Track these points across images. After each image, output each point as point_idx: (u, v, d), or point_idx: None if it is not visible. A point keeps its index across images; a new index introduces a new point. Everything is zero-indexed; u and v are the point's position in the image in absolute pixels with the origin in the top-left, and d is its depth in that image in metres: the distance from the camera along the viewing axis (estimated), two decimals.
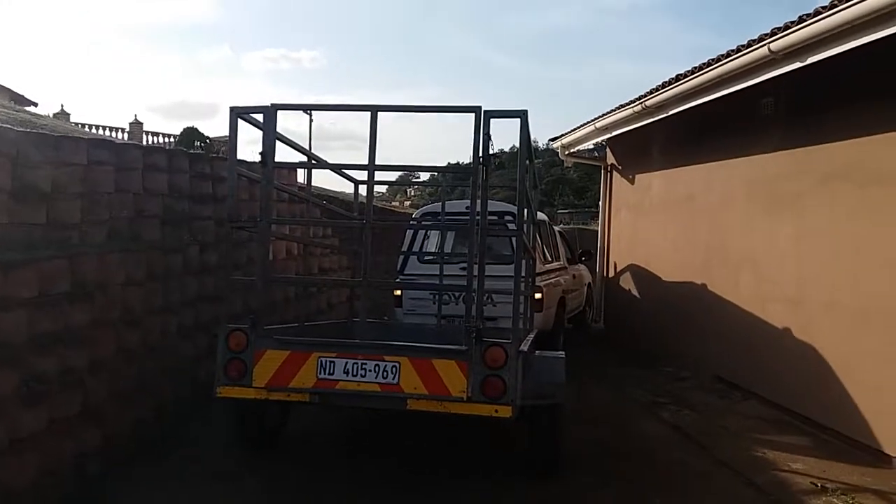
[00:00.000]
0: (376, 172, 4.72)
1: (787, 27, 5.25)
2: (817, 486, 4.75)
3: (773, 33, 5.42)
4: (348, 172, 6.26)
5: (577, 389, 6.22)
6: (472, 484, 4.67)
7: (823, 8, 4.86)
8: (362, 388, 4.15)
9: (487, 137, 4.09)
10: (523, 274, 6.14)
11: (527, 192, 4.66)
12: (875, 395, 5.35)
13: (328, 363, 4.20)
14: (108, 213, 5.30)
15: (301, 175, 9.08)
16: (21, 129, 5.03)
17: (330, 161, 6.76)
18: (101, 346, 4.76)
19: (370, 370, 4.14)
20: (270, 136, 4.49)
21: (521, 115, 4.16)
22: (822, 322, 6.05)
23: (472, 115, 4.06)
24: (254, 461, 4.95)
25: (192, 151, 8.65)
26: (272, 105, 4.49)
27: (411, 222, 9.09)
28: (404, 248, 8.13)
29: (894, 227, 5.23)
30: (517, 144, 4.63)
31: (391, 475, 4.78)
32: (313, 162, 6.18)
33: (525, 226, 4.98)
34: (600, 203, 12.45)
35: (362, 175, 6.18)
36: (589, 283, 11.71)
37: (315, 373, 4.20)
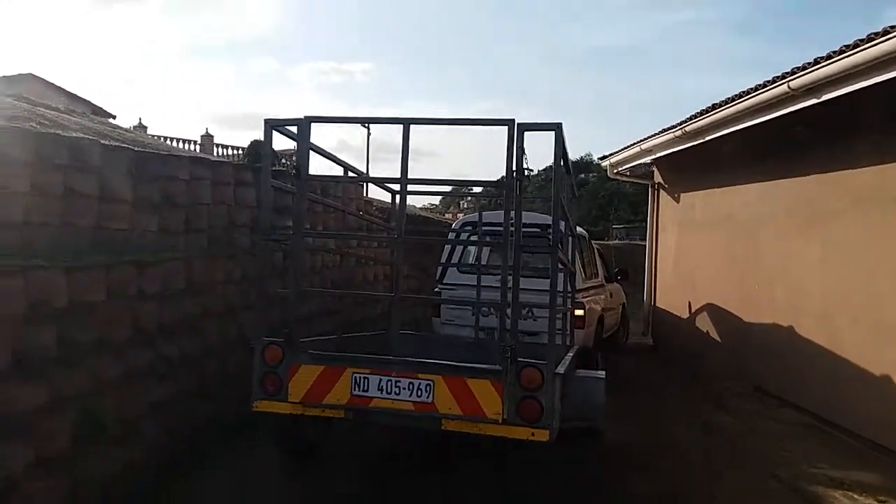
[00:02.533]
0: (421, 186, 4.75)
1: (804, 67, 5.85)
2: (837, 481, 5.25)
3: (792, 72, 6.02)
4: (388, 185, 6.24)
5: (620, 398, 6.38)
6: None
7: (834, 52, 5.46)
8: (396, 406, 4.07)
9: (521, 151, 4.00)
10: (561, 289, 6.34)
11: (563, 206, 4.55)
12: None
13: (362, 379, 4.14)
14: (207, 223, 6.25)
15: (364, 189, 9.67)
16: (138, 149, 5.98)
17: (383, 174, 7.14)
18: (210, 334, 5.68)
19: (404, 388, 4.06)
20: (305, 148, 4.50)
21: (556, 128, 4.06)
22: (849, 335, 6.55)
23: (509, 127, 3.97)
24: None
25: (275, 168, 9.32)
26: (306, 118, 4.48)
27: (451, 231, 8.90)
28: (443, 259, 8.11)
29: None
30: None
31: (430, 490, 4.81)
32: (347, 175, 6.14)
33: (563, 240, 4.93)
34: (648, 220, 12.93)
35: (395, 185, 6.27)
36: (623, 303, 11.50)
37: (349, 389, 4.15)
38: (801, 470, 5.52)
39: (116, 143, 5.93)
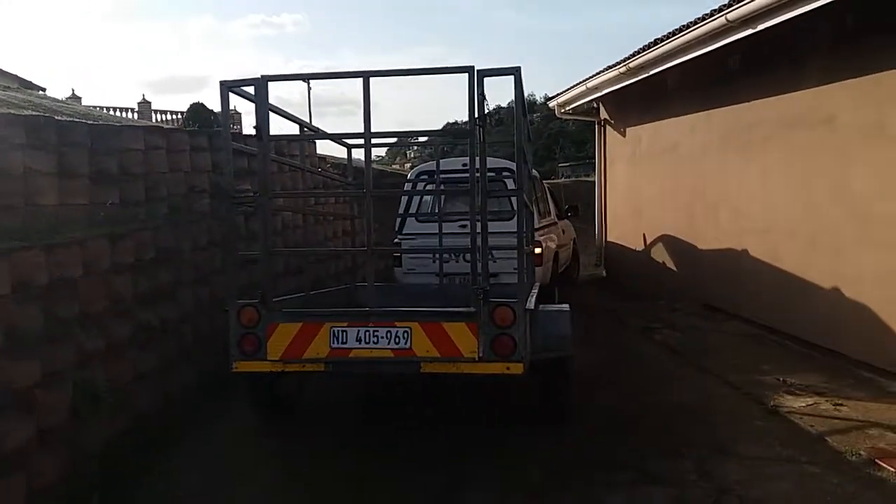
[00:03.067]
0: (373, 139, 4.54)
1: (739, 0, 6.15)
2: (780, 381, 5.78)
3: (729, 4, 6.31)
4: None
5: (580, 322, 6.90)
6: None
7: None
8: (375, 354, 4.19)
9: (482, 97, 4.02)
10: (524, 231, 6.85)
11: (524, 150, 4.59)
12: (830, 305, 6.37)
13: (340, 332, 4.23)
14: (167, 191, 6.32)
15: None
16: (91, 122, 5.99)
17: (326, 128, 6.84)
18: (184, 301, 5.83)
19: (382, 337, 4.18)
20: (263, 108, 4.40)
21: (515, 72, 4.11)
22: (787, 249, 7.05)
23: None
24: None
25: (229, 131, 9.22)
26: (262, 77, 4.38)
27: (407, 182, 8.90)
28: (401, 210, 8.14)
29: (835, 162, 6.19)
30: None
31: (408, 429, 5.04)
32: (310, 132, 6.10)
33: (525, 183, 5.00)
34: (596, 156, 13.28)
35: (357, 140, 6.30)
36: (574, 239, 11.64)
37: (328, 342, 4.23)
38: (749, 375, 6.01)
39: (70, 119, 5.93)
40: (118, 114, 25.45)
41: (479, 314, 4.07)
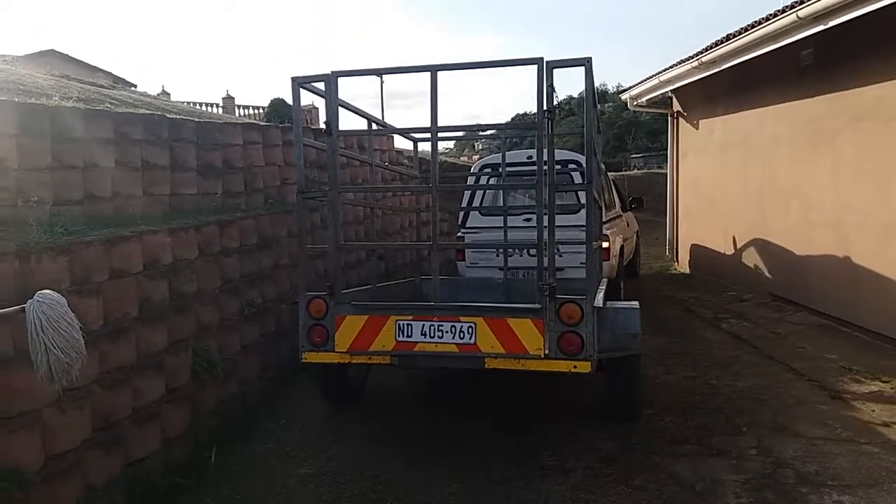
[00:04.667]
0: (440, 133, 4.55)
1: None
2: (846, 368, 5.94)
3: (800, 1, 6.44)
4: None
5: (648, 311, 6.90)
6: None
7: None
8: (440, 349, 4.21)
9: (551, 89, 3.95)
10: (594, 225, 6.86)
11: (594, 142, 4.47)
12: None
13: (406, 326, 4.28)
14: (262, 183, 6.93)
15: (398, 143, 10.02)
16: (197, 119, 6.61)
17: (395, 121, 7.09)
18: (281, 283, 6.41)
19: (447, 331, 4.20)
20: (333, 103, 4.46)
21: (585, 63, 3.99)
22: (858, 240, 7.13)
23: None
24: None
25: (314, 127, 9.70)
26: (332, 73, 4.42)
27: (470, 175, 8.80)
28: (464, 203, 8.06)
29: None
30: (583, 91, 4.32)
31: (472, 425, 5.06)
32: (378, 128, 6.13)
33: (594, 176, 4.75)
34: (668, 148, 13.35)
35: (423, 134, 6.30)
36: (637, 231, 11.54)
37: (394, 336, 4.29)
38: (814, 363, 6.18)
39: (180, 117, 6.57)
40: (207, 109, 26.61)
41: (546, 311, 4.04)
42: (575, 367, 4.01)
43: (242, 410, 5.27)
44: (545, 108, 3.95)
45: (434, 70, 4.18)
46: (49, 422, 3.33)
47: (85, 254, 3.87)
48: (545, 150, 4.08)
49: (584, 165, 7.11)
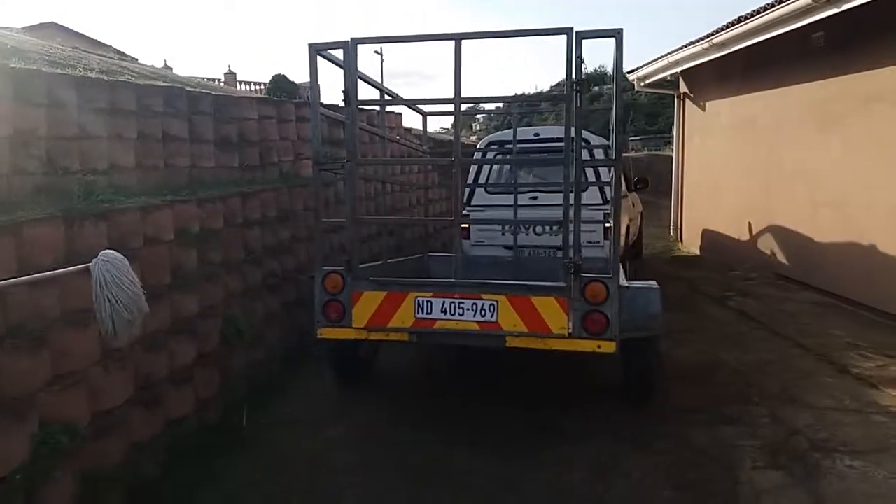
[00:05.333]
0: (444, 106, 4.35)
1: None
2: (853, 344, 6.10)
3: None
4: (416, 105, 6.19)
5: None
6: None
7: None
8: (461, 326, 4.17)
9: (580, 60, 3.83)
10: (601, 202, 6.65)
11: (619, 119, 4.26)
12: None
13: (426, 303, 4.23)
14: (277, 157, 7.01)
15: (408, 120, 10.05)
16: (214, 93, 6.67)
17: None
18: (300, 254, 6.52)
19: (468, 309, 4.15)
20: (352, 72, 4.30)
21: (616, 34, 3.80)
22: (865, 220, 7.27)
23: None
24: None
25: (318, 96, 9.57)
26: (352, 39, 4.25)
27: (476, 151, 8.60)
28: (470, 180, 7.85)
29: None
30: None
31: (490, 394, 5.18)
32: (398, 99, 5.93)
33: (621, 153, 4.60)
34: (674, 129, 13.44)
35: (427, 107, 6.34)
36: (641, 212, 11.27)
37: (413, 312, 4.24)
38: (821, 339, 6.33)
39: (198, 90, 6.64)
40: (206, 82, 26.40)
41: (570, 289, 3.99)
42: (599, 346, 3.96)
43: (267, 376, 5.41)
44: (573, 79, 3.84)
45: (458, 38, 4.06)
46: (95, 381, 3.45)
47: (122, 220, 3.98)
48: (573, 126, 3.95)
49: (592, 142, 7.27)
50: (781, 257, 9.02)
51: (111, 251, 2.67)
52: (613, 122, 4.27)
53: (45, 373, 3.15)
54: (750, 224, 9.98)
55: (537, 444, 4.26)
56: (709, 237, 11.62)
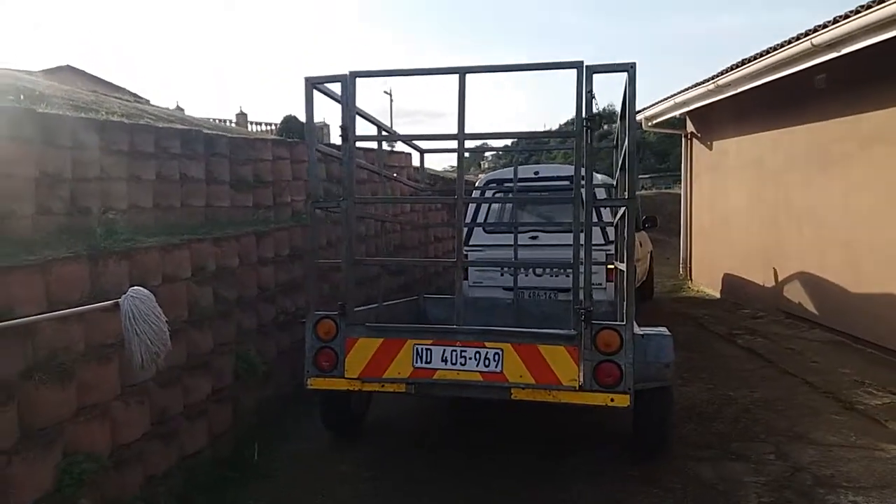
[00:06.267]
0: (454, 143, 4.24)
1: (825, 25, 6.55)
2: (859, 382, 6.13)
3: (814, 30, 6.73)
4: (415, 141, 6.12)
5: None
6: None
7: (850, 11, 6.15)
8: (462, 377, 3.86)
9: (591, 95, 3.68)
10: (604, 243, 6.49)
11: (632, 156, 4.07)
12: None
13: (425, 351, 3.93)
14: (290, 197, 7.18)
15: (415, 159, 10.03)
16: (229, 135, 6.87)
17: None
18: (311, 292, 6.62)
19: (470, 358, 3.85)
20: (350, 107, 4.13)
21: (629, 68, 3.67)
22: (868, 261, 7.33)
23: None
24: None
25: (335, 144, 9.70)
26: (350, 73, 4.08)
27: (475, 190, 8.46)
28: (468, 219, 7.54)
29: None
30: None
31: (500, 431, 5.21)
32: (398, 135, 5.81)
33: (635, 190, 4.36)
34: (682, 168, 13.59)
35: (427, 145, 6.24)
36: (650, 251, 11.22)
37: (411, 361, 3.93)
38: (828, 376, 6.37)
39: (215, 132, 6.84)
40: (218, 123, 26.83)
41: (581, 337, 3.72)
42: (612, 399, 3.66)
43: (279, 412, 5.49)
44: (584, 115, 3.70)
45: (463, 72, 3.91)
46: (116, 413, 3.57)
47: (144, 259, 4.12)
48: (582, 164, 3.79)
49: (596, 180, 7.25)
50: (791, 297, 9.06)
51: (139, 287, 2.81)
52: (624, 159, 4.10)
53: (71, 404, 3.27)
54: (775, 270, 10.07)
55: (547, 482, 4.31)
56: (716, 275, 11.67)
